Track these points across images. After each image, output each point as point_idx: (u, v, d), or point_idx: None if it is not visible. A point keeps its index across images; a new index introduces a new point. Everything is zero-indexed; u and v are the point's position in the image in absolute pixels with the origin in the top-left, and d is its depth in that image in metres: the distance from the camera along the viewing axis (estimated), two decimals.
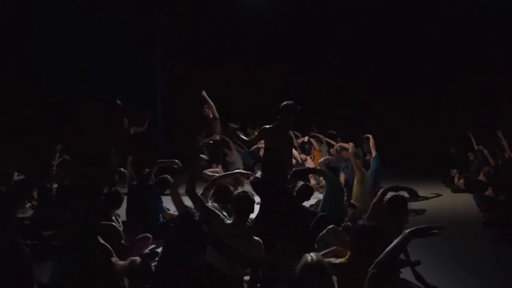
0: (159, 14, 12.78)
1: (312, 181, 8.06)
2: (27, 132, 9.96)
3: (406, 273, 4.07)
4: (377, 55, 13.49)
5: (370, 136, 7.70)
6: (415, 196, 4.55)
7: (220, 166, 8.19)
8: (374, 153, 7.43)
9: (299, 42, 13.69)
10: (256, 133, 12.67)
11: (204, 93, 8.18)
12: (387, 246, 2.30)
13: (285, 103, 4.63)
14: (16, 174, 8.16)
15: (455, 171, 9.10)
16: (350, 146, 7.07)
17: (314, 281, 2.33)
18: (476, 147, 8.79)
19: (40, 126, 9.99)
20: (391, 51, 13.25)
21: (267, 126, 4.73)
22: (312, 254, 2.40)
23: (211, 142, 8.31)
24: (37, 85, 10.94)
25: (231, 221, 3.28)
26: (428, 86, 13.33)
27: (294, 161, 7.83)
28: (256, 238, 3.28)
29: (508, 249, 4.80)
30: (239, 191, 3.45)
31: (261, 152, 9.55)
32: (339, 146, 7.87)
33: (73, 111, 10.78)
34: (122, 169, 7.68)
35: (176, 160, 5.90)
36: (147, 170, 5.78)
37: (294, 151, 8.67)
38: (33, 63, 10.98)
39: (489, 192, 7.01)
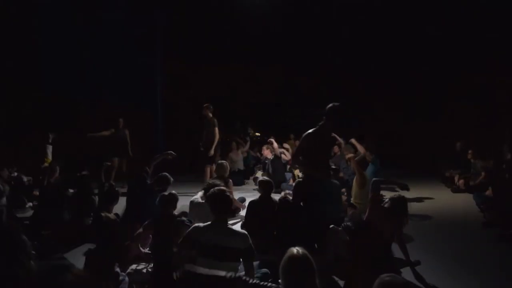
0: (159, 14, 12.78)
1: None
2: (27, 132, 9.97)
3: (406, 273, 4.07)
4: (377, 55, 13.49)
5: (354, 141, 7.06)
6: (406, 189, 4.63)
7: (211, 167, 8.13)
8: (368, 157, 7.16)
9: (299, 42, 13.69)
10: (256, 134, 12.77)
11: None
12: (381, 244, 2.31)
13: (331, 104, 4.64)
14: (16, 174, 8.21)
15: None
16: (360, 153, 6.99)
17: (298, 273, 2.33)
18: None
19: (40, 126, 10.00)
20: (391, 51, 13.25)
21: (310, 130, 4.66)
22: (297, 247, 2.40)
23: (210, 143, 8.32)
24: (37, 85, 10.95)
25: (209, 222, 3.20)
26: (428, 86, 13.33)
27: None
28: (241, 230, 3.25)
29: (508, 249, 4.80)
30: (214, 189, 3.36)
31: (264, 152, 9.59)
32: (347, 153, 7.68)
33: (73, 111, 10.81)
34: (107, 163, 7.67)
35: (170, 151, 5.85)
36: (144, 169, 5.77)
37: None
38: (33, 63, 10.99)
39: (489, 192, 7.01)
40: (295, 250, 2.40)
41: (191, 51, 13.11)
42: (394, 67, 13.46)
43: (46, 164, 8.25)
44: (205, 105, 8.39)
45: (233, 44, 13.47)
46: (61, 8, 11.35)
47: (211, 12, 12.83)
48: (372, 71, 13.81)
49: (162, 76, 13.24)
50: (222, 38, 13.35)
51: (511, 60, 10.66)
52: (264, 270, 3.72)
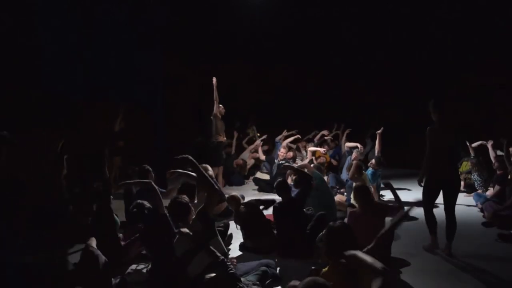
0: (159, 14, 12.75)
1: None
2: (27, 131, 9.96)
3: (406, 273, 4.08)
4: (377, 55, 13.49)
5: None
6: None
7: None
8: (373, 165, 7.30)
9: (299, 42, 13.68)
10: (258, 134, 12.73)
11: (215, 80, 8.42)
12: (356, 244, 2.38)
13: (433, 100, 4.81)
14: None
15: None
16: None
17: None
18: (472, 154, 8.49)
19: (40, 126, 9.99)
20: (391, 51, 13.26)
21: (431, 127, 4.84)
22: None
23: (216, 142, 8.33)
24: (37, 85, 10.94)
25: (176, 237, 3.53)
26: (428, 86, 13.33)
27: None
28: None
29: (508, 249, 4.80)
30: (173, 197, 3.83)
31: (280, 152, 9.44)
32: (357, 157, 7.74)
33: (73, 111, 10.79)
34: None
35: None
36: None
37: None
38: (33, 63, 10.98)
39: (489, 192, 7.01)
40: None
41: (191, 51, 13.09)
42: (394, 67, 13.47)
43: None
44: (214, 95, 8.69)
45: (234, 44, 13.45)
46: (61, 7, 11.33)
47: (211, 12, 12.82)
48: (372, 71, 13.82)
49: (162, 76, 13.20)
50: (222, 38, 13.33)
51: (511, 60, 10.68)
52: (264, 268, 3.76)
